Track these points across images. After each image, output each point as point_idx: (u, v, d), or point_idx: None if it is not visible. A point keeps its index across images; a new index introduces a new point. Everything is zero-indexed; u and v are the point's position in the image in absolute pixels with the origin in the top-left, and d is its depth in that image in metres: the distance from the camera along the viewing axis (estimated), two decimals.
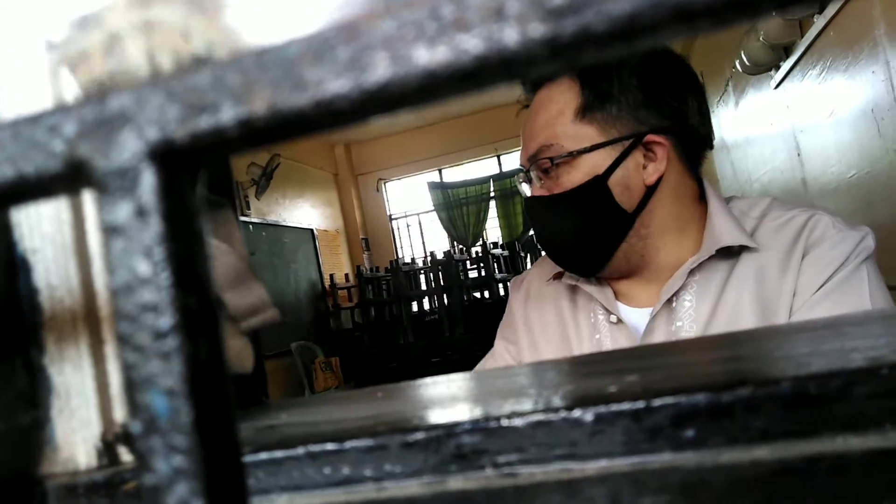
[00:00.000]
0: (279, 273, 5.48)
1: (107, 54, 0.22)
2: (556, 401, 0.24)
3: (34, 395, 0.29)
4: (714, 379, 0.23)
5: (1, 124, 0.15)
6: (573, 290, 0.88)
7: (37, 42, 0.25)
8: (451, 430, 0.24)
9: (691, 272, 0.77)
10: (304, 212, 6.23)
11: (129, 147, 0.14)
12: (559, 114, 0.79)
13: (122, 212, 0.14)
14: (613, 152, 0.77)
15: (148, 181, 0.14)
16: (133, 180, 0.14)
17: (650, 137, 0.77)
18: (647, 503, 0.22)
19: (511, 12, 0.12)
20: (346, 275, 6.44)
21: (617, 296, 0.84)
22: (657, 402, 0.22)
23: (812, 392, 0.21)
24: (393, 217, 7.29)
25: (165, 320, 0.14)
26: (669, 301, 0.77)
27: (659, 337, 0.77)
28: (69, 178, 0.15)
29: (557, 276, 0.89)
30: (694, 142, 0.81)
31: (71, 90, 0.25)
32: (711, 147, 0.84)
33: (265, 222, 5.43)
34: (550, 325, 0.89)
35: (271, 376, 4.86)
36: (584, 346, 0.84)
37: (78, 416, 0.29)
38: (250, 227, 5.16)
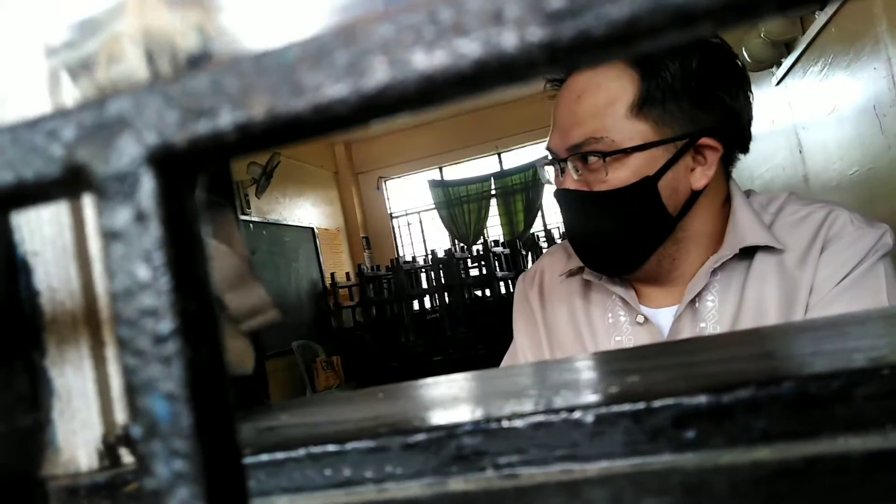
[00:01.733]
0: (280, 272, 5.48)
1: (106, 58, 0.22)
2: (557, 402, 0.24)
3: (35, 397, 0.29)
4: (715, 379, 0.23)
5: (0, 129, 0.15)
6: (587, 287, 0.85)
7: (35, 46, 0.25)
8: (451, 431, 0.24)
9: (713, 272, 0.75)
10: (305, 210, 6.23)
11: (128, 152, 0.14)
12: (610, 104, 0.72)
13: (122, 217, 0.14)
14: (666, 153, 0.73)
15: (147, 186, 0.14)
16: (132, 185, 0.14)
17: (704, 140, 0.74)
18: None
19: (510, 16, 0.12)
20: (347, 273, 6.44)
21: (638, 296, 0.82)
22: (657, 404, 0.22)
23: (813, 393, 0.21)
24: (393, 215, 7.29)
25: (165, 325, 0.14)
26: (692, 301, 0.76)
27: (684, 337, 0.75)
28: (68, 183, 0.15)
29: (573, 273, 0.86)
30: (738, 144, 0.79)
31: (70, 94, 0.25)
32: (748, 150, 0.81)
33: (266, 221, 5.43)
34: (563, 326, 0.87)
35: (273, 375, 4.87)
36: (600, 347, 0.82)
37: (79, 418, 0.29)
38: (251, 225, 5.16)
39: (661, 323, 0.79)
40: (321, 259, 6.22)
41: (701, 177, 0.75)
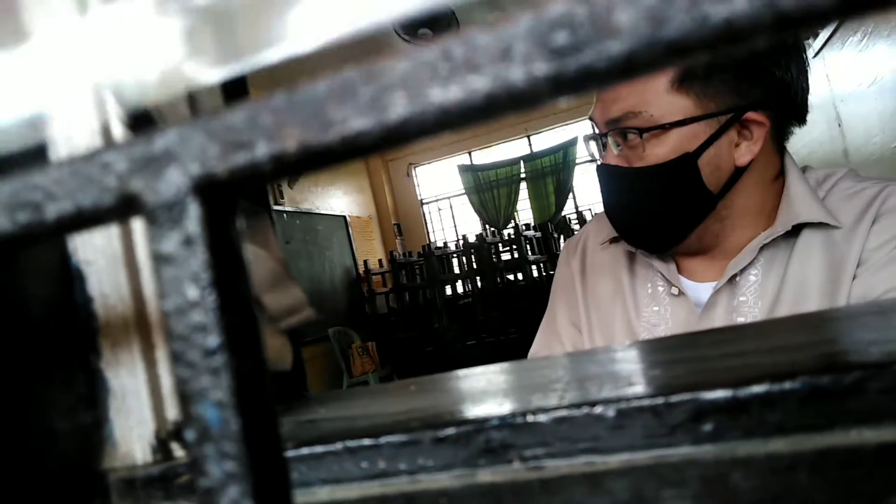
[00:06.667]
0: (314, 260, 5.56)
1: (152, 84, 0.23)
2: (580, 396, 0.26)
3: (93, 396, 0.31)
4: (732, 374, 0.24)
5: (59, 162, 0.17)
6: (631, 256, 0.85)
7: (83, 71, 0.27)
8: (480, 425, 0.25)
9: (761, 248, 0.74)
10: (337, 199, 6.30)
11: (174, 182, 0.16)
12: (651, 78, 0.69)
13: (171, 242, 0.16)
14: (708, 128, 0.70)
15: (193, 213, 0.16)
16: (179, 213, 0.16)
17: (749, 115, 0.70)
18: (667, 495, 0.23)
19: (517, 53, 0.13)
20: (380, 260, 6.50)
21: (679, 268, 0.81)
22: (676, 399, 0.23)
23: (826, 387, 0.21)
24: (424, 201, 7.31)
25: (213, 339, 0.16)
26: (733, 276, 0.75)
27: (719, 312, 0.76)
28: (121, 210, 0.17)
29: (615, 240, 0.86)
30: (790, 117, 0.75)
31: (116, 118, 0.27)
32: (804, 122, 0.77)
33: (299, 210, 5.51)
34: (605, 293, 0.86)
35: (311, 361, 4.96)
36: (641, 316, 0.82)
37: (134, 415, 0.31)
38: (285, 215, 5.24)
39: (701, 296, 0.78)
40: (354, 246, 6.29)
41: (746, 153, 0.72)
